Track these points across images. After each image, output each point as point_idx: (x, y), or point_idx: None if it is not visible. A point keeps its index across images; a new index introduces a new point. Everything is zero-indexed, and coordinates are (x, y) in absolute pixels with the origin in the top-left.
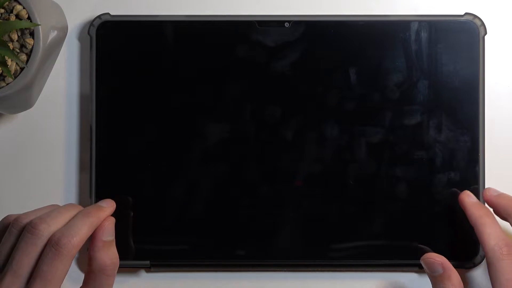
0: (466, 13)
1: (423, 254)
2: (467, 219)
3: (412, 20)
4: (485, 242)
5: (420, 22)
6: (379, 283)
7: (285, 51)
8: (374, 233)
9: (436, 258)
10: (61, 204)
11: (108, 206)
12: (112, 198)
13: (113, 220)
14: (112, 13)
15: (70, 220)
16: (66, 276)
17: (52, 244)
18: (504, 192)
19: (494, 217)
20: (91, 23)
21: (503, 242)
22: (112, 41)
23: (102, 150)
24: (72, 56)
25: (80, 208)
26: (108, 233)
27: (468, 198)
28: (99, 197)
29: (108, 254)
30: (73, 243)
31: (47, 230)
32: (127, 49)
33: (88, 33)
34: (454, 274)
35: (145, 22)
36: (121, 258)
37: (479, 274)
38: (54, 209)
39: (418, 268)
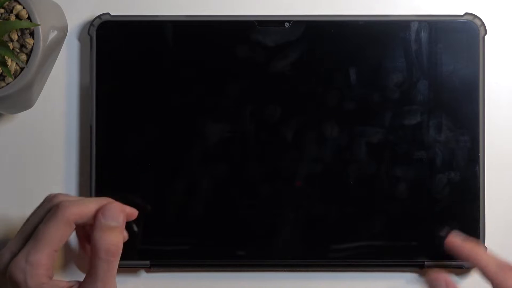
0: (466, 13)
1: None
2: (467, 219)
3: (412, 20)
4: (485, 269)
5: (420, 22)
6: (379, 283)
7: (285, 51)
8: (374, 233)
9: (439, 276)
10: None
11: (130, 209)
12: (112, 198)
13: (118, 205)
14: (112, 13)
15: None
16: (65, 276)
17: (52, 208)
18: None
19: (482, 248)
20: (91, 23)
21: (502, 265)
22: (112, 41)
23: (102, 150)
24: (72, 56)
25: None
26: (109, 216)
27: (455, 241)
28: (99, 196)
29: (104, 238)
30: (71, 209)
31: (59, 198)
32: (127, 49)
33: (88, 33)
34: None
35: (145, 22)
36: (121, 258)
37: (478, 275)
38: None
39: (419, 268)
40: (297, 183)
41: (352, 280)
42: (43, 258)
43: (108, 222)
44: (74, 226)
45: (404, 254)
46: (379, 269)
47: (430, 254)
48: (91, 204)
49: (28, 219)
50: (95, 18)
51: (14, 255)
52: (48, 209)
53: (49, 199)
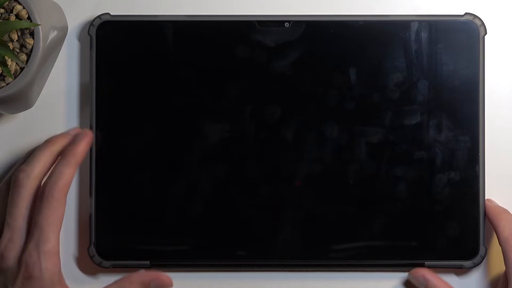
0: (466, 13)
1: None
2: (467, 219)
3: (412, 20)
4: (500, 234)
5: (420, 22)
6: (379, 284)
7: (285, 51)
8: (374, 233)
9: (417, 271)
10: None
11: (83, 140)
12: (112, 198)
13: (169, 283)
14: (112, 13)
15: (53, 167)
16: (65, 276)
17: (40, 196)
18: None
19: (511, 214)
20: (91, 23)
21: None
22: (112, 41)
23: (101, 150)
24: (72, 56)
25: (55, 146)
26: (157, 284)
27: (489, 202)
28: (99, 196)
29: None
30: (58, 188)
31: (27, 179)
32: (127, 49)
33: (88, 33)
34: (440, 283)
35: (145, 22)
36: (121, 258)
37: (478, 275)
38: (32, 156)
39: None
40: (297, 183)
41: (352, 280)
42: (53, 245)
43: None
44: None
45: (404, 254)
46: (379, 269)
47: (430, 254)
48: (66, 172)
49: (10, 211)
50: (95, 18)
51: (19, 251)
52: (32, 190)
53: (18, 184)
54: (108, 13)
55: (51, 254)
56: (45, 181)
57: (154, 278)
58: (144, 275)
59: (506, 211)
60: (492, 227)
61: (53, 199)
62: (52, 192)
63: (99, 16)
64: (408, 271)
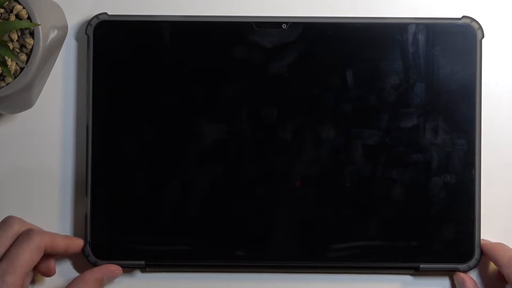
0: (463, 16)
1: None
2: (462, 223)
3: (409, 22)
4: (499, 261)
5: (417, 24)
6: (375, 285)
7: (282, 53)
8: (370, 236)
9: (458, 275)
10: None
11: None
12: (108, 198)
13: (119, 273)
14: (109, 13)
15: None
16: (60, 275)
17: (22, 234)
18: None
19: (505, 246)
20: (88, 22)
21: None
22: (109, 40)
23: (98, 150)
24: (70, 55)
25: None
26: (109, 276)
27: (484, 241)
28: (95, 196)
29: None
30: (45, 238)
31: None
32: (124, 48)
33: (86, 33)
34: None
35: (142, 22)
36: (116, 258)
37: (473, 277)
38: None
39: (413, 271)
40: (297, 183)
41: (349, 282)
42: (18, 279)
43: (106, 282)
44: (43, 254)
45: (400, 257)
46: (374, 271)
47: (425, 257)
48: (61, 241)
49: None
50: (93, 17)
51: None
52: (17, 234)
53: (10, 223)
54: (105, 13)
55: (13, 286)
56: (33, 227)
57: (105, 272)
58: (96, 271)
59: (500, 244)
60: (491, 260)
61: (36, 245)
62: (39, 240)
63: (96, 16)
64: (403, 273)
